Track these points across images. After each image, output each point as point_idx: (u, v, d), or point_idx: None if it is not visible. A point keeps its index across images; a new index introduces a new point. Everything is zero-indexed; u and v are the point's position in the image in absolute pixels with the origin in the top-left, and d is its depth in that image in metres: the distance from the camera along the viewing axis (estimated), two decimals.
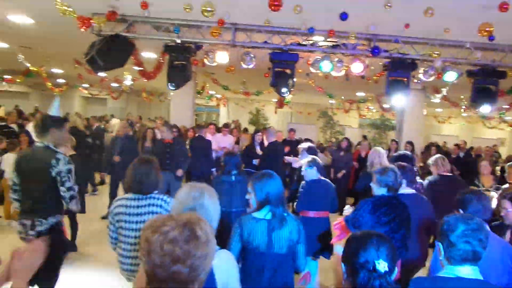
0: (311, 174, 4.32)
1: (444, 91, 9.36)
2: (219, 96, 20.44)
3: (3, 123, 8.36)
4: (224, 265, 1.85)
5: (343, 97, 16.11)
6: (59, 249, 3.26)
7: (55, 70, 14.16)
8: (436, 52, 5.67)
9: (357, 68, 6.07)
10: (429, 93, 10.74)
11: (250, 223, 2.53)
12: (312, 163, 4.33)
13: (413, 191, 3.67)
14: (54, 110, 3.47)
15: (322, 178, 4.38)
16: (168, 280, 1.14)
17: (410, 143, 8.74)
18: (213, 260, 1.26)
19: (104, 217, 6.59)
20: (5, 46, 9.08)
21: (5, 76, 13.33)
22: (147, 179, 2.75)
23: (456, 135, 19.68)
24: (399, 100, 6.12)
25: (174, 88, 5.93)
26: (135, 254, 2.74)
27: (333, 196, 4.33)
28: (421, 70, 6.09)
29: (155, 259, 1.13)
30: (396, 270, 1.57)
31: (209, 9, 4.68)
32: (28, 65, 10.11)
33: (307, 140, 8.97)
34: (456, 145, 11.23)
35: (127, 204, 2.74)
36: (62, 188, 3.15)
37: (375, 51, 5.62)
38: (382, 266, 1.50)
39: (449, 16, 4.80)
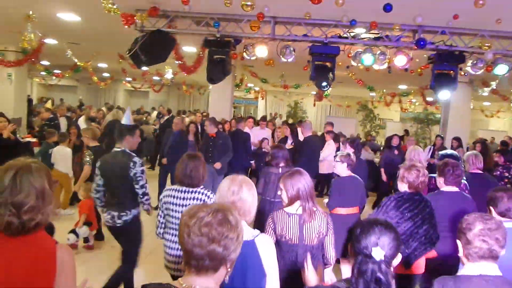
0: (340, 169, 4.30)
1: (494, 84, 8.86)
2: (257, 88, 20.46)
3: (53, 116, 8.77)
4: (265, 246, 2.08)
5: (384, 90, 15.64)
6: (139, 235, 3.86)
7: (101, 65, 14.72)
8: (486, 44, 5.37)
9: (400, 61, 5.84)
10: (477, 86, 10.19)
11: (282, 218, 2.71)
12: (344, 158, 4.28)
13: (456, 189, 3.52)
14: (127, 119, 4.00)
15: (352, 174, 4.32)
16: (205, 257, 1.33)
17: (457, 139, 8.35)
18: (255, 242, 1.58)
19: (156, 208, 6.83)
20: (55, 43, 9.51)
21: (55, 71, 13.98)
22: (194, 174, 3.03)
23: (505, 130, 18.63)
24: (445, 94, 5.86)
25: (213, 83, 5.99)
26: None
27: (362, 192, 4.35)
28: (469, 63, 5.79)
29: (194, 239, 1.33)
30: (397, 261, 1.63)
31: (248, 3, 4.67)
32: (76, 60, 10.55)
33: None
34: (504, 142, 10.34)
35: (175, 195, 3.05)
36: (137, 186, 3.68)
37: (420, 43, 5.39)
38: (377, 253, 1.56)
39: (501, 6, 4.52)
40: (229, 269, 1.41)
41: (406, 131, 14.54)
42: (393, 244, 1.60)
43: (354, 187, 4.28)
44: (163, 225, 3.17)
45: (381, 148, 11.47)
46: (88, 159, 5.11)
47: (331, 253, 2.77)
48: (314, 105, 19.78)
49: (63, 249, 1.65)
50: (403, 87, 14.42)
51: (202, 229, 1.34)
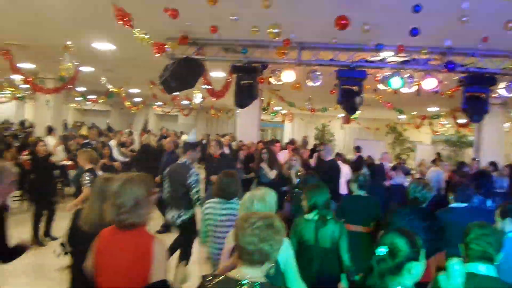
0: (353, 188, 4.55)
1: None
2: (284, 112, 20.55)
3: (86, 141, 9.13)
4: (284, 247, 2.37)
5: (414, 113, 15.36)
6: (194, 232, 4.55)
7: (132, 90, 15.23)
8: None
9: (429, 84, 5.77)
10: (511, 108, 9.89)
11: (302, 223, 3.30)
12: (358, 178, 4.51)
13: (465, 204, 3.71)
14: (192, 137, 5.10)
15: (365, 194, 4.47)
16: (255, 253, 1.71)
17: (493, 163, 8.05)
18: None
19: None
20: (90, 70, 9.97)
21: (90, 97, 14.58)
22: (229, 188, 3.51)
23: None
24: (477, 117, 5.71)
25: (240, 107, 6.08)
26: (219, 245, 3.47)
27: (376, 212, 4.31)
28: (502, 85, 5.64)
29: (248, 239, 1.72)
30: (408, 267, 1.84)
31: (275, 30, 4.77)
32: (110, 86, 10.99)
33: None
34: None
35: (214, 206, 3.52)
36: (192, 192, 4.55)
37: (450, 66, 5.32)
38: (380, 250, 1.87)
39: None
40: (273, 264, 1.79)
41: (438, 154, 14.13)
42: (397, 251, 1.88)
43: (361, 207, 4.37)
44: (205, 235, 3.57)
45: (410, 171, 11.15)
46: (88, 180, 5.25)
47: (346, 257, 3.19)
48: (342, 127, 19.61)
49: (158, 243, 2.04)
50: (433, 109, 14.13)
51: (255, 231, 1.72)
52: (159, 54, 5.38)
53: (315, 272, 3.15)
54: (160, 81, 5.74)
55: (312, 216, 3.27)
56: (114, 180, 2.10)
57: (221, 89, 7.62)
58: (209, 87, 7.21)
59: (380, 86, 6.33)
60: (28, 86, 9.87)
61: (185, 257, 4.75)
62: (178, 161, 4.81)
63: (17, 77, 10.33)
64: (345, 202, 4.59)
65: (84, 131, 10.45)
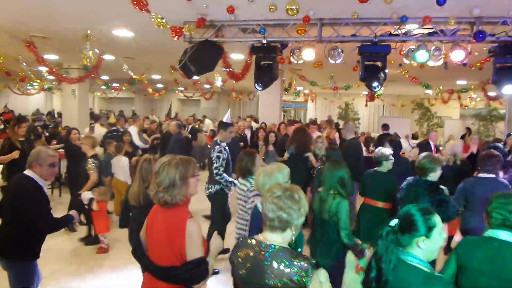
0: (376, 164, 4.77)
1: None
2: (306, 91, 20.28)
3: (114, 128, 9.30)
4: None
5: (441, 87, 14.83)
6: (220, 205, 5.14)
7: (154, 76, 15.36)
8: None
9: (457, 56, 5.49)
10: None
11: (315, 194, 3.70)
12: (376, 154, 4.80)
13: (491, 175, 4.10)
14: (226, 118, 5.41)
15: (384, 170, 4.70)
16: (275, 220, 1.92)
17: None
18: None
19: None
20: (112, 58, 10.07)
21: (113, 85, 14.79)
22: (244, 166, 4.02)
23: None
24: (509, 88, 5.43)
25: (261, 88, 6.01)
26: (238, 217, 4.04)
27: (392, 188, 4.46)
28: None
29: (268, 206, 1.94)
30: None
31: (293, 7, 4.65)
32: (131, 73, 11.09)
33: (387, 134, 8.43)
34: None
35: (238, 182, 4.14)
36: (213, 167, 4.94)
37: (479, 36, 5.04)
38: (392, 222, 2.01)
39: None
40: (294, 233, 1.95)
41: (469, 129, 13.69)
42: (406, 224, 2.01)
43: (375, 181, 4.66)
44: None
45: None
46: (93, 166, 5.38)
47: (342, 234, 3.35)
48: (366, 105, 19.20)
49: (192, 222, 2.19)
50: (462, 82, 13.61)
51: (274, 200, 1.93)
52: (177, 38, 5.35)
53: (317, 240, 3.56)
54: (180, 66, 5.72)
55: (321, 189, 3.58)
56: (158, 161, 2.30)
57: (241, 71, 7.56)
58: (229, 70, 7.14)
59: (405, 61, 6.10)
60: (53, 77, 10.09)
61: (212, 229, 5.00)
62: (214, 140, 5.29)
63: (43, 69, 10.56)
64: (365, 178, 4.82)
65: (112, 119, 10.67)
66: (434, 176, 3.87)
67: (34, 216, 3.06)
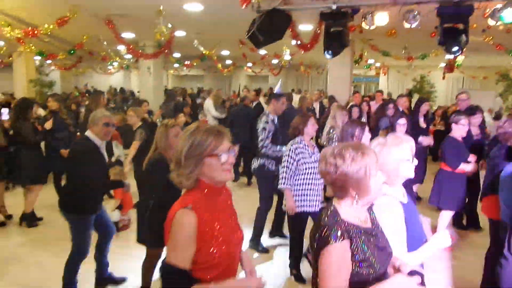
0: None
1: None
2: (378, 64, 19.38)
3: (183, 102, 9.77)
4: None
5: None
6: (263, 180, 4.78)
7: (224, 52, 15.63)
8: None
9: None
10: None
11: None
12: None
13: None
14: (277, 88, 5.18)
15: None
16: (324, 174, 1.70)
17: None
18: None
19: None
20: (183, 34, 10.41)
21: (185, 62, 15.34)
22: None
23: None
24: None
25: (330, 56, 5.85)
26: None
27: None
28: None
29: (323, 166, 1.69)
30: None
31: None
32: (202, 49, 11.40)
33: None
34: None
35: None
36: (258, 139, 4.65)
37: None
38: None
39: None
40: (356, 196, 1.64)
41: None
42: None
43: None
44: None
45: None
46: (141, 135, 5.48)
47: None
48: (444, 78, 17.86)
49: (182, 212, 1.62)
50: None
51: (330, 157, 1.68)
52: (245, 6, 5.37)
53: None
54: (248, 36, 5.74)
55: None
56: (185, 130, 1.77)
57: (310, 41, 7.42)
58: (298, 41, 7.04)
59: (490, 22, 5.54)
60: (131, 55, 10.73)
61: (261, 206, 4.80)
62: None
63: (121, 47, 11.25)
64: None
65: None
66: None
67: (87, 174, 3.31)
